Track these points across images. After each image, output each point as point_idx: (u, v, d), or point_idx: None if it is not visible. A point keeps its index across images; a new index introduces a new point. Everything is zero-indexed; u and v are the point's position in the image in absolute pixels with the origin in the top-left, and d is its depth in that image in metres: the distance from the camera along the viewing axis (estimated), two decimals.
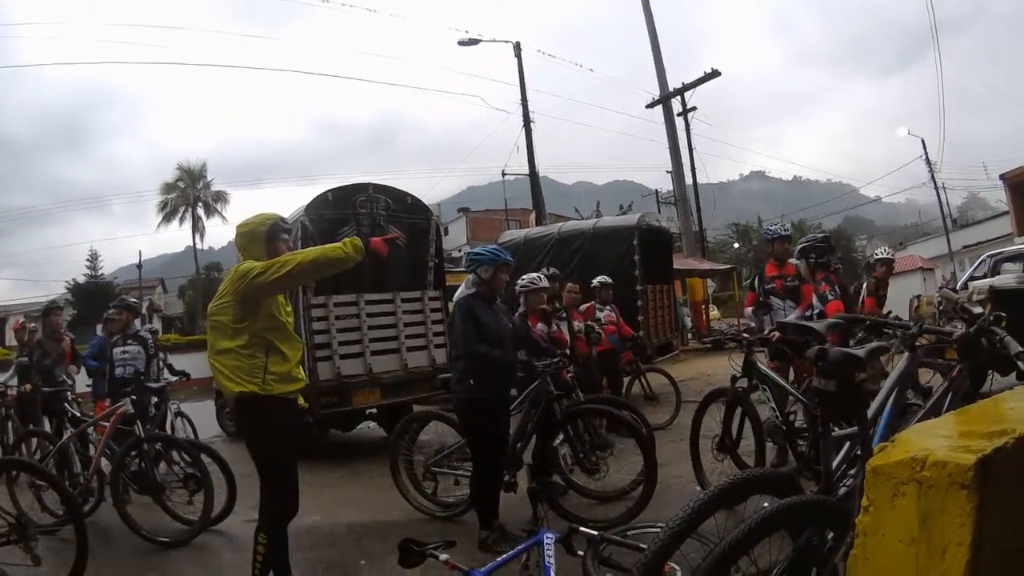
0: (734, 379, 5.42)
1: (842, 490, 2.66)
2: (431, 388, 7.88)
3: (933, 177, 36.66)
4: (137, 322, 8.81)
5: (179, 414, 8.77)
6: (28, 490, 5.66)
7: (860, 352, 2.42)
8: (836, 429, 2.86)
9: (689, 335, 21.18)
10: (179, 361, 9.83)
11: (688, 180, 25.36)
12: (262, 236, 3.84)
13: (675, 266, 15.89)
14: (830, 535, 2.08)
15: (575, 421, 5.46)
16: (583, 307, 8.75)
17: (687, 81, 25.00)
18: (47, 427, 7.85)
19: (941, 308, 7.58)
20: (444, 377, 5.73)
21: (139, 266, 50.02)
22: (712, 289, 31.45)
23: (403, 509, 5.70)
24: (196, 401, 12.89)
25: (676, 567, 2.81)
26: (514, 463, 5.25)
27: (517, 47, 23.88)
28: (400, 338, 8.59)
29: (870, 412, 2.86)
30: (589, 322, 8.41)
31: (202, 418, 10.02)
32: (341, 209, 8.31)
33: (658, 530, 1.93)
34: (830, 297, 5.97)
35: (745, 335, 5.71)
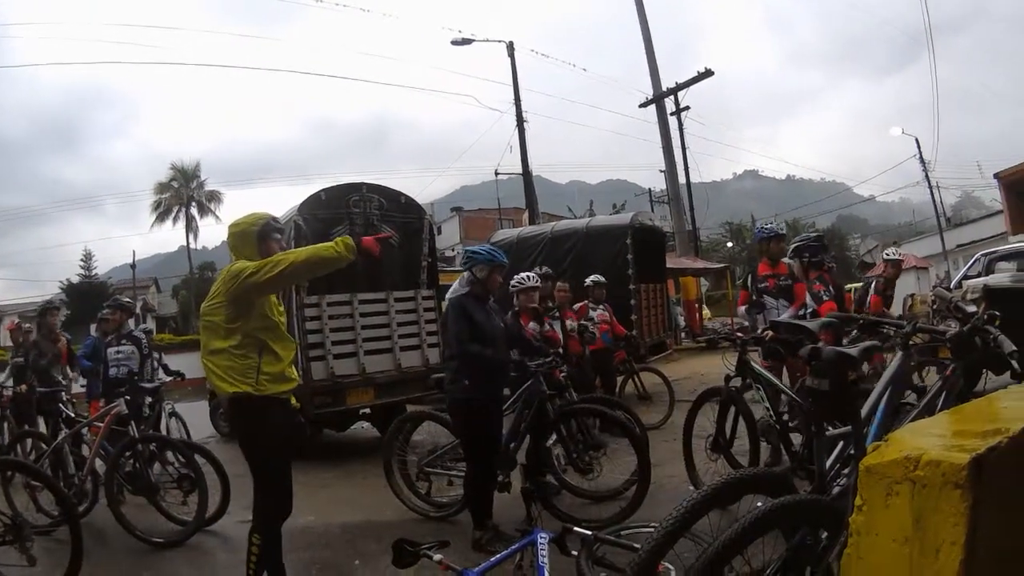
0: (728, 378, 5.41)
1: (836, 489, 2.67)
2: (424, 388, 7.88)
3: (927, 176, 36.77)
4: (131, 322, 8.78)
5: (173, 414, 8.74)
6: (23, 491, 5.67)
7: (853, 351, 2.42)
8: (830, 428, 2.86)
9: (683, 334, 21.19)
10: (173, 361, 9.77)
11: (681, 179, 25.39)
12: (254, 236, 3.83)
13: (668, 265, 15.91)
14: (824, 534, 2.08)
15: (568, 421, 5.47)
16: (577, 306, 8.76)
17: (680, 80, 25.08)
18: (42, 428, 7.83)
19: (935, 307, 7.59)
20: (437, 377, 5.73)
21: (133, 266, 49.90)
22: (705, 288, 31.47)
23: (397, 509, 5.69)
24: (190, 401, 12.86)
25: (670, 567, 2.80)
26: (507, 463, 5.24)
27: (510, 47, 23.88)
28: (394, 338, 8.57)
29: (864, 411, 2.87)
30: (583, 321, 8.42)
31: (196, 418, 9.99)
32: (334, 209, 8.30)
33: (652, 530, 1.92)
34: (825, 297, 5.97)
35: (739, 334, 5.71)
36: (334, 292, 8.14)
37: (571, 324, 8.02)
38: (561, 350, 6.98)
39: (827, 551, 2.05)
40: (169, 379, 8.98)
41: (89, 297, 39.16)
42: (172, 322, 48.53)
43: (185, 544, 5.29)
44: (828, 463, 2.72)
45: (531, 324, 6.92)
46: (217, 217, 49.38)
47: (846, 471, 2.74)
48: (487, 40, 24.00)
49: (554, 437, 5.50)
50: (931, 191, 36.99)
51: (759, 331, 5.95)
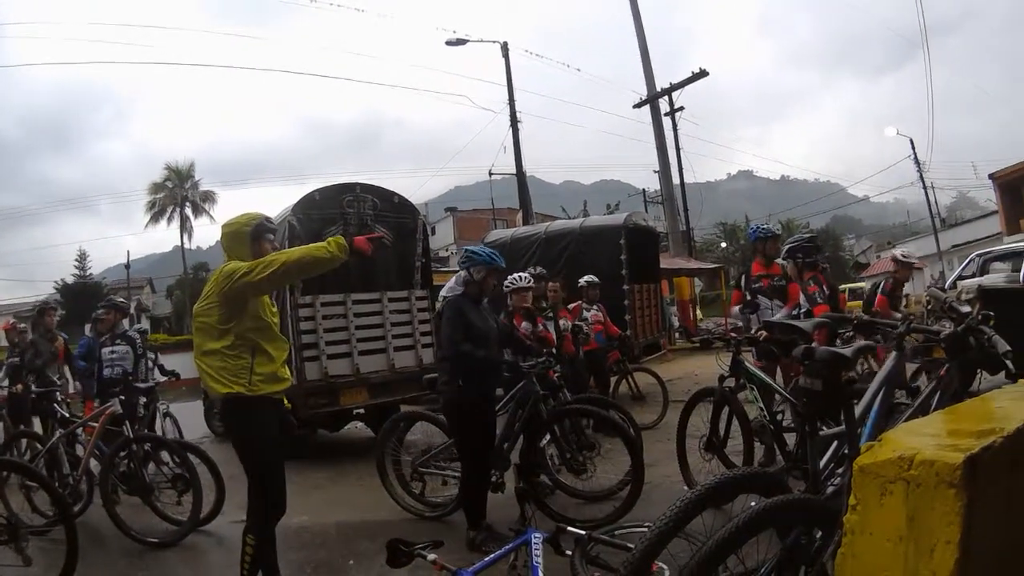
0: (722, 378, 5.42)
1: (830, 489, 2.67)
2: (418, 388, 7.87)
3: (922, 176, 36.85)
4: (125, 322, 8.79)
5: (167, 414, 8.73)
6: (18, 491, 5.64)
7: (847, 351, 2.43)
8: (824, 428, 2.87)
9: (676, 334, 21.21)
10: (167, 361, 9.77)
11: (675, 179, 25.42)
12: (247, 236, 3.83)
13: (662, 265, 15.89)
14: (818, 534, 2.08)
15: (562, 421, 5.46)
16: (571, 306, 8.76)
17: (675, 81, 25.03)
18: (37, 428, 7.81)
19: (929, 307, 7.59)
20: (431, 377, 5.74)
21: (127, 266, 49.83)
22: (699, 288, 31.51)
23: (391, 509, 5.68)
24: (185, 401, 12.84)
25: (664, 566, 2.80)
26: (501, 463, 5.24)
27: (504, 47, 23.90)
28: (387, 338, 8.57)
29: (858, 411, 2.87)
30: (577, 321, 8.42)
31: (190, 418, 9.97)
32: (328, 209, 8.30)
33: (645, 529, 1.92)
34: (819, 299, 5.97)
35: (732, 334, 5.71)
36: (328, 292, 8.14)
37: (564, 324, 8.01)
38: (555, 350, 6.97)
39: (821, 551, 2.05)
40: (164, 379, 8.97)
41: (84, 297, 39.18)
42: (166, 322, 48.50)
43: (180, 544, 5.28)
44: (822, 463, 2.72)
45: (524, 324, 6.93)
46: (211, 217, 49.44)
47: (840, 471, 2.74)
48: (481, 40, 24.04)
49: (548, 437, 5.50)
50: (926, 191, 37.10)
51: (753, 331, 5.96)
